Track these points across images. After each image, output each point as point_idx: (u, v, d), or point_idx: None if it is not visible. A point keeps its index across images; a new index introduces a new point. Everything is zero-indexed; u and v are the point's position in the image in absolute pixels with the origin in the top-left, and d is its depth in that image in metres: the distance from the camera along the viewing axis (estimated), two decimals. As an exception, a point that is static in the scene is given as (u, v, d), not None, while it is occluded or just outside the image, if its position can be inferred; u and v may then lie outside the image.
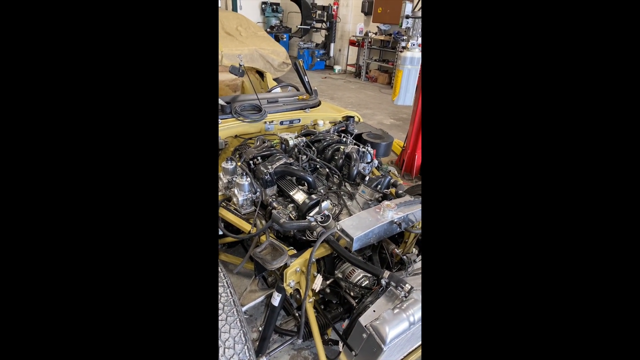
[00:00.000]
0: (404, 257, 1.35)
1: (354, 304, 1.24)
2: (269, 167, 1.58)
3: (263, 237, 1.37)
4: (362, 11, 8.16)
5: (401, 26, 2.60)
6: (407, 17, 2.52)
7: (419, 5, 2.68)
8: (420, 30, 2.59)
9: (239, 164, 1.64)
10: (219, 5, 8.64)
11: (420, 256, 1.42)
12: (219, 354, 1.03)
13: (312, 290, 1.22)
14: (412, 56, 2.63)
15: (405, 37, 2.69)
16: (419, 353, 1.25)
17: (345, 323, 1.23)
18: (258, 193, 1.57)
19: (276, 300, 1.26)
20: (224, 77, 3.40)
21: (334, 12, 8.61)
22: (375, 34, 7.77)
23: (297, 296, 1.31)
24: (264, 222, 1.50)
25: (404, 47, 2.63)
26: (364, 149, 1.81)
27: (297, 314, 1.42)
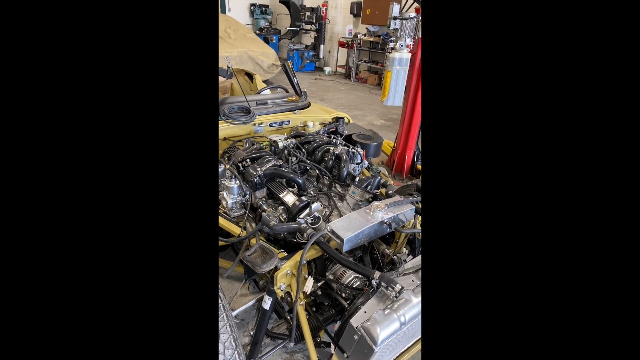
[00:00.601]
0: (395, 257, 1.36)
1: (346, 306, 1.23)
2: (258, 169, 1.57)
3: (253, 240, 1.36)
4: (350, 13, 8.20)
5: (389, 27, 2.62)
6: (395, 18, 2.54)
7: (407, 6, 2.70)
8: (407, 31, 2.61)
9: (228, 166, 1.63)
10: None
11: (410, 256, 1.42)
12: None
13: (303, 292, 1.21)
14: (400, 57, 2.64)
15: (393, 38, 2.70)
16: (410, 353, 1.25)
17: (337, 325, 1.23)
18: (247, 196, 1.55)
19: (267, 303, 1.25)
20: (212, 79, 3.37)
21: (322, 14, 8.63)
22: (365, 35, 7.81)
23: (289, 299, 1.30)
24: (253, 225, 1.49)
25: (392, 48, 2.65)
26: (353, 150, 1.81)
27: (288, 317, 1.41)
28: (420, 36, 2.66)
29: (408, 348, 1.22)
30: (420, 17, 2.62)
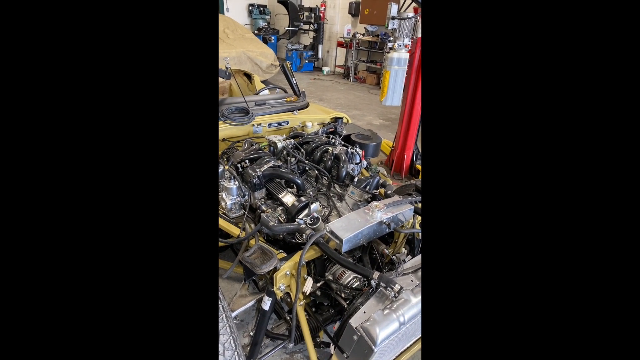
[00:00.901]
0: (394, 257, 1.36)
1: (345, 306, 1.23)
2: (257, 170, 1.57)
3: (252, 241, 1.36)
4: (349, 12, 8.20)
5: (387, 27, 2.62)
6: (393, 18, 2.55)
7: (405, 6, 2.70)
8: (406, 31, 2.61)
9: (227, 167, 1.63)
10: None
11: (409, 256, 1.42)
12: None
13: (303, 293, 1.21)
14: (399, 57, 2.65)
15: (391, 38, 2.71)
16: (410, 353, 1.25)
17: (337, 325, 1.23)
18: (246, 197, 1.56)
19: (266, 304, 1.25)
20: (211, 79, 3.37)
21: (321, 14, 8.63)
22: (363, 35, 7.81)
23: (288, 299, 1.30)
24: (253, 225, 1.49)
25: (390, 48, 2.66)
26: (352, 150, 1.81)
27: (288, 318, 1.41)
28: (419, 36, 2.67)
29: (408, 348, 1.22)
30: (418, 17, 2.62)
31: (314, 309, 1.40)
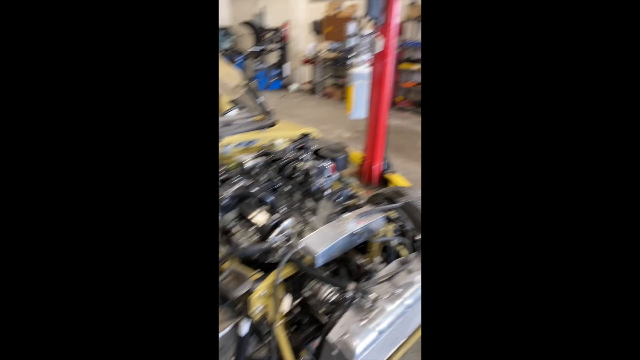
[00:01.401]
0: (369, 266, 1.37)
1: (324, 321, 1.22)
2: (227, 191, 1.55)
3: (227, 264, 1.33)
4: (313, 30, 8.43)
5: (345, 46, 2.73)
6: (351, 36, 2.66)
7: (364, 25, 2.84)
8: (365, 48, 2.73)
9: (195, 191, 1.59)
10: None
11: (385, 263, 1.44)
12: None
13: (281, 312, 1.19)
14: (360, 72, 2.75)
15: (352, 55, 2.82)
16: (398, 356, 1.25)
17: (317, 341, 1.21)
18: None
19: (243, 329, 1.22)
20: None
21: (285, 34, 8.81)
22: (327, 52, 8.04)
23: (266, 321, 1.27)
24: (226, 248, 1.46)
25: (351, 65, 2.76)
26: (322, 164, 1.83)
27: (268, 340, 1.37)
28: (377, 52, 2.79)
29: (394, 353, 1.22)
30: (375, 35, 2.75)
31: (295, 327, 1.37)
